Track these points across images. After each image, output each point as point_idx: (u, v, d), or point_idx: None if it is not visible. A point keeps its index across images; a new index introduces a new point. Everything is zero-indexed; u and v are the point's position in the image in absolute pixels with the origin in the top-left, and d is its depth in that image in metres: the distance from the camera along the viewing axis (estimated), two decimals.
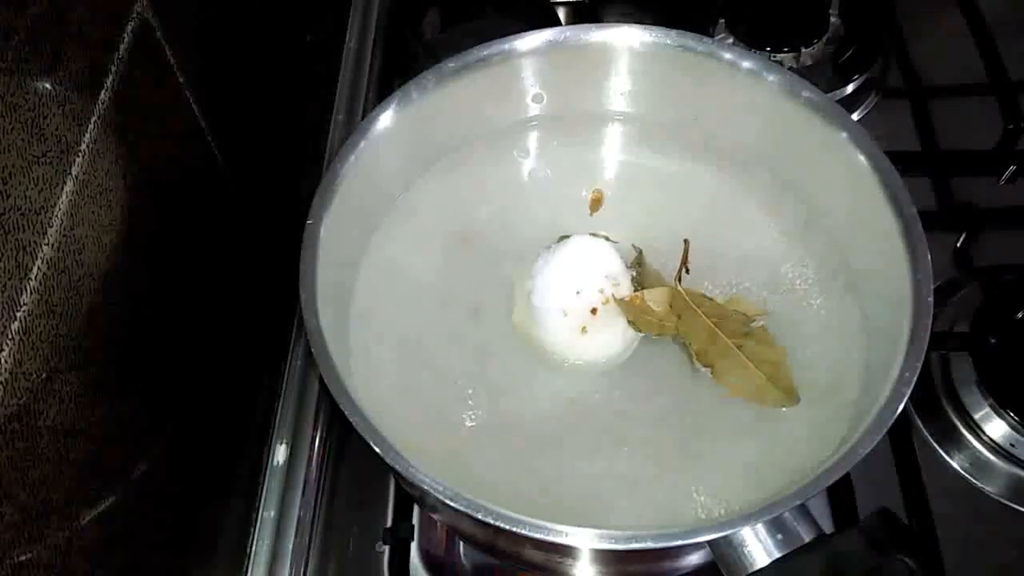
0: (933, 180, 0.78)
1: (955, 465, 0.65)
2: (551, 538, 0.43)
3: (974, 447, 0.64)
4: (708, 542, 0.44)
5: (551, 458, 0.54)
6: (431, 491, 0.44)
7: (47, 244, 0.39)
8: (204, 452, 0.59)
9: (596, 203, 0.63)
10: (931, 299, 0.49)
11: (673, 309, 0.56)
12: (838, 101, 0.73)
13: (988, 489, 0.64)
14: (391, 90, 0.59)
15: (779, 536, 0.44)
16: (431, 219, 0.63)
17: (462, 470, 0.53)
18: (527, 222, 0.63)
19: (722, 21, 0.84)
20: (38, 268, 0.39)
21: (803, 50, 0.81)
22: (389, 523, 0.63)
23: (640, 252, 0.60)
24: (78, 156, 0.42)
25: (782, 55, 0.81)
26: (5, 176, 0.36)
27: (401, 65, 0.86)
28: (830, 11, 0.84)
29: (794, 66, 0.81)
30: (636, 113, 0.66)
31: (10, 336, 0.36)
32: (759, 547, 0.44)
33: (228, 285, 0.63)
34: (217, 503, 0.60)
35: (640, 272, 0.59)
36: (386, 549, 0.63)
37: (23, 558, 0.37)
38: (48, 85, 0.40)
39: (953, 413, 0.65)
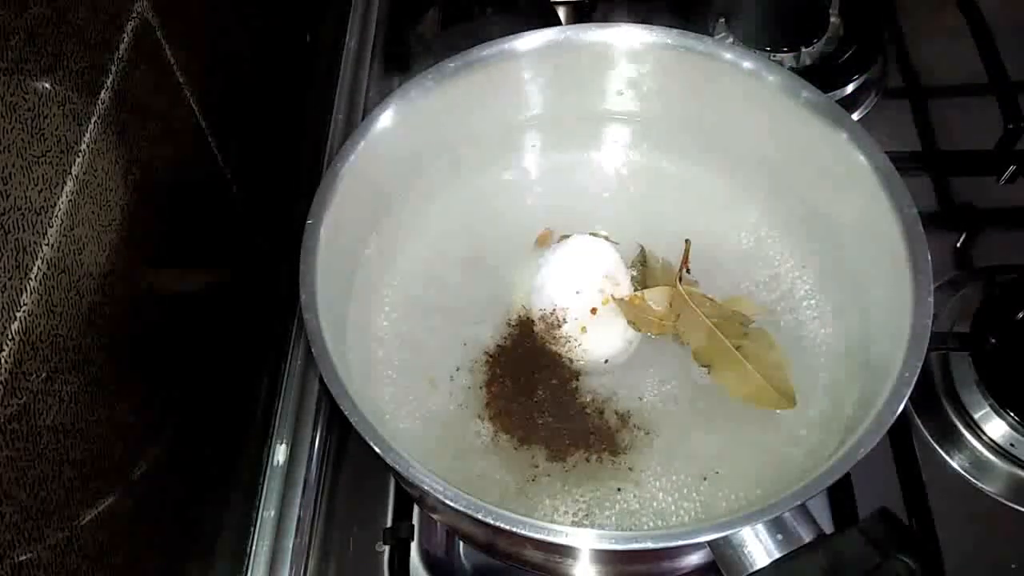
0: (933, 180, 0.78)
1: (955, 465, 0.65)
2: (551, 538, 0.43)
3: (974, 447, 0.64)
4: (708, 542, 0.44)
5: (550, 456, 0.54)
6: (431, 491, 0.44)
7: (47, 244, 0.39)
8: (204, 452, 0.58)
9: (543, 239, 0.62)
10: (931, 299, 0.49)
11: (673, 309, 0.56)
12: (838, 101, 0.73)
13: (988, 489, 0.64)
14: (391, 90, 0.59)
15: (779, 536, 0.44)
16: (430, 219, 0.63)
17: (462, 469, 0.53)
18: (527, 222, 0.63)
19: (722, 21, 0.84)
20: (38, 268, 0.39)
21: (803, 50, 0.81)
22: (389, 523, 0.63)
23: (643, 249, 0.60)
24: (78, 156, 0.42)
25: (782, 55, 0.81)
26: (5, 176, 0.36)
27: (401, 65, 0.86)
28: (830, 11, 0.84)
29: (794, 66, 0.81)
30: (636, 113, 0.66)
31: (10, 336, 0.36)
32: (759, 547, 0.44)
33: (228, 285, 0.63)
34: (217, 503, 0.60)
35: (643, 270, 0.59)
36: (386, 549, 0.63)
37: (23, 558, 0.37)
38: (48, 85, 0.40)
39: (953, 413, 0.65)
